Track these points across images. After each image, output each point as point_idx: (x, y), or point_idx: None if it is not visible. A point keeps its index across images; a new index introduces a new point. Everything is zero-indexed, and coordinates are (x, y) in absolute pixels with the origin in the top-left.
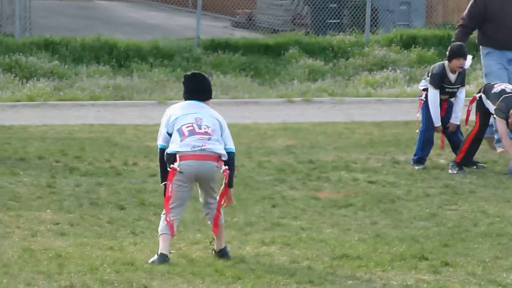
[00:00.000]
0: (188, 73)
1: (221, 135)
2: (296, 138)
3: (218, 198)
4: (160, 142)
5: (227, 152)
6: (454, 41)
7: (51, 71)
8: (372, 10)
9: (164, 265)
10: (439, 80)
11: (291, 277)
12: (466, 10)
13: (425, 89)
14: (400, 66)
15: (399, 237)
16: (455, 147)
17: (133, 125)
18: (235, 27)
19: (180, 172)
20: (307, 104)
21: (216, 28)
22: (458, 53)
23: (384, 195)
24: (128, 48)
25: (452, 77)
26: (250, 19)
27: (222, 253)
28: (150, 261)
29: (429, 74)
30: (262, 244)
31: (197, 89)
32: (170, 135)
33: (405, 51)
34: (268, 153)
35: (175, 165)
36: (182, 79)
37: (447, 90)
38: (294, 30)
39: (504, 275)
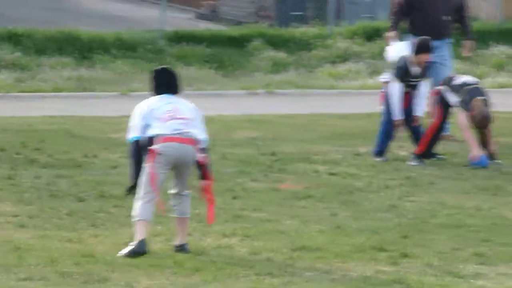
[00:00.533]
0: (159, 67)
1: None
2: (259, 130)
3: (206, 193)
4: (134, 134)
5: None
6: (390, 28)
7: (13, 63)
8: (336, 2)
9: (124, 257)
10: (403, 74)
11: (250, 269)
12: None
13: (387, 82)
14: (363, 58)
15: (358, 228)
16: (416, 140)
17: (95, 117)
18: (200, 19)
19: (159, 154)
20: (270, 96)
21: (181, 20)
22: (427, 48)
23: (345, 187)
24: (92, 39)
25: (415, 71)
26: (215, 11)
27: (181, 248)
28: (125, 252)
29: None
30: (223, 236)
31: (169, 83)
32: (145, 126)
33: (368, 43)
34: (231, 145)
35: (155, 146)
36: (153, 74)
37: (410, 83)
38: (258, 22)
39: (461, 266)
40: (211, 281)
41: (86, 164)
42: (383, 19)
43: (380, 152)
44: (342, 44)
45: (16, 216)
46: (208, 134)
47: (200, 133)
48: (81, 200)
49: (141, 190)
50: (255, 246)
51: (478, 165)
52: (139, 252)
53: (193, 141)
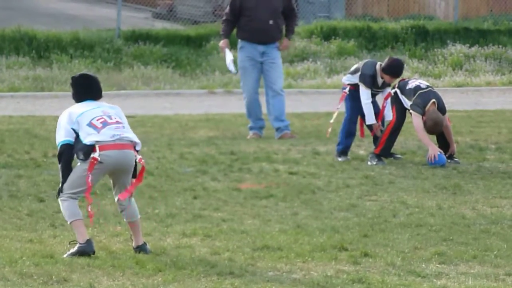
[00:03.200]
0: (76, 74)
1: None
2: (218, 129)
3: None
4: (62, 138)
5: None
6: (221, 34)
7: None
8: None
9: (84, 258)
10: (371, 81)
11: (212, 269)
12: (228, 6)
13: (350, 84)
14: (321, 57)
15: (319, 227)
16: (375, 139)
17: (53, 116)
18: (156, 18)
19: (100, 162)
20: (228, 95)
21: (137, 19)
22: (397, 74)
23: (305, 186)
24: (48, 39)
25: (380, 81)
26: (171, 10)
27: (140, 249)
28: (70, 253)
29: (357, 71)
30: (183, 235)
31: (91, 89)
32: (74, 131)
33: (326, 42)
34: (190, 145)
35: (95, 155)
36: (73, 81)
37: (373, 92)
38: (215, 21)
39: (423, 265)
40: (172, 281)
41: (45, 164)
42: (338, 19)
43: (344, 150)
44: (299, 44)
45: None
46: (166, 133)
47: (135, 136)
48: (40, 200)
49: (69, 189)
50: (216, 246)
51: (437, 164)
52: (88, 251)
53: (132, 146)
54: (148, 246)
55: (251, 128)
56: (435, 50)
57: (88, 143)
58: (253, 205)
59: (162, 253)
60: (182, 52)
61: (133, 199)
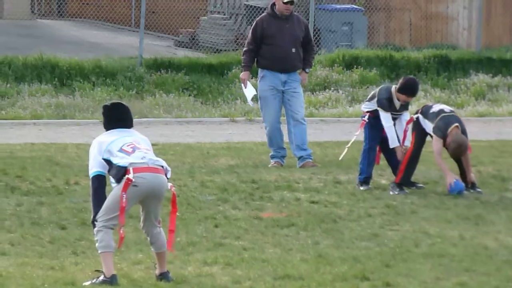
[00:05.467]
0: (108, 103)
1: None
2: (239, 158)
3: (170, 220)
4: (93, 170)
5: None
6: (243, 66)
7: None
8: (314, 30)
9: (105, 285)
10: (388, 104)
11: None
12: (249, 35)
13: (369, 111)
14: (343, 86)
15: (341, 257)
16: (394, 168)
17: (75, 144)
18: (178, 46)
19: (134, 185)
20: (250, 123)
21: (159, 47)
22: (412, 92)
23: (326, 215)
24: (71, 67)
25: (398, 104)
26: (193, 39)
27: (163, 277)
28: (92, 282)
29: (373, 97)
30: (204, 264)
31: (122, 118)
32: (106, 160)
33: (348, 71)
34: (211, 173)
35: (130, 176)
36: (102, 110)
37: (392, 116)
38: (237, 49)
39: None
40: None
41: (67, 192)
42: (360, 47)
43: (366, 180)
44: (321, 72)
45: None
46: (187, 161)
47: (164, 162)
48: (62, 227)
49: (104, 216)
50: (237, 274)
51: (455, 190)
52: (111, 285)
53: (163, 171)
54: (170, 275)
55: (272, 157)
56: (458, 79)
57: (121, 165)
58: (274, 233)
59: (183, 282)
60: (204, 80)
61: (162, 230)
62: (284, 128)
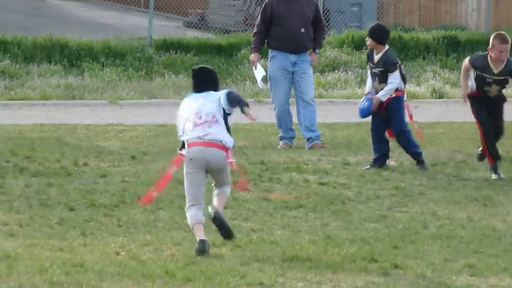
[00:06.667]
0: (196, 67)
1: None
2: (248, 139)
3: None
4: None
5: (226, 94)
6: (253, 48)
7: (1, 70)
8: (323, 11)
9: (114, 267)
10: (367, 58)
11: (241, 279)
12: (258, 16)
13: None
14: (352, 67)
15: (349, 239)
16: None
17: (84, 125)
18: (187, 27)
19: (190, 159)
20: (259, 105)
21: (168, 28)
22: (369, 32)
23: (335, 197)
24: (80, 47)
25: (375, 57)
26: (203, 19)
27: (215, 216)
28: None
29: None
30: (213, 245)
31: (204, 82)
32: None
33: (357, 52)
34: None
35: (183, 151)
36: (191, 73)
37: (373, 70)
38: (246, 30)
39: (454, 277)
40: None
41: (76, 173)
42: None
43: (378, 159)
44: (330, 53)
45: (6, 224)
46: None
47: (223, 132)
48: (71, 209)
49: (187, 198)
50: (246, 256)
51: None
52: (203, 250)
53: (220, 146)
54: (222, 215)
55: (281, 138)
56: None
57: (183, 140)
58: (282, 215)
59: (191, 263)
60: (213, 61)
61: (228, 188)
62: (293, 110)
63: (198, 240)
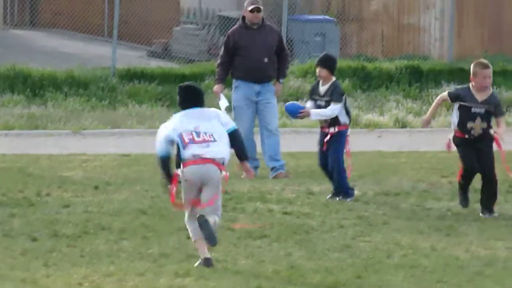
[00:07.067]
0: (182, 85)
1: (222, 124)
2: None
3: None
4: (158, 150)
5: (229, 132)
6: (216, 79)
7: None
8: (287, 41)
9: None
10: (310, 91)
11: None
12: (222, 47)
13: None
14: None
15: (313, 268)
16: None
17: (47, 155)
18: (151, 56)
19: (185, 179)
20: None
21: (132, 58)
22: (317, 61)
23: (299, 226)
24: (43, 77)
25: (322, 88)
26: (166, 49)
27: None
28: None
29: None
30: (176, 276)
31: (193, 99)
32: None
33: None
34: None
35: (179, 171)
36: (177, 90)
37: (317, 102)
38: (210, 60)
39: None
40: None
41: (39, 203)
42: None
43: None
44: (294, 83)
45: None
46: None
47: (222, 150)
48: (34, 239)
49: (186, 210)
50: (209, 286)
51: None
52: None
53: (215, 162)
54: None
55: None
56: (430, 90)
57: (179, 156)
58: (246, 245)
59: None
60: (177, 90)
61: (206, 210)
62: (257, 139)
63: (203, 258)
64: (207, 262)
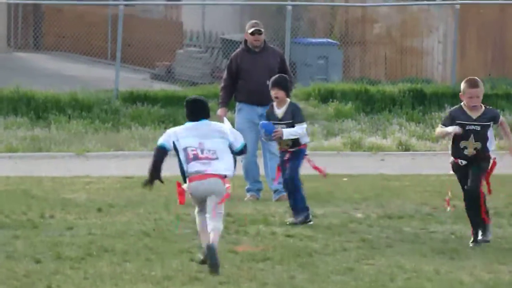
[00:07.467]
0: (189, 98)
1: (230, 143)
2: None
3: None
4: (162, 141)
5: (237, 151)
6: (220, 103)
7: None
8: (290, 64)
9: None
10: (266, 117)
11: None
12: (225, 71)
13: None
14: (318, 120)
15: None
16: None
17: (50, 177)
18: (154, 79)
19: (190, 193)
20: None
21: (135, 80)
22: (271, 83)
23: (302, 249)
24: (47, 99)
25: (278, 111)
26: (169, 72)
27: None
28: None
29: None
30: None
31: (198, 111)
32: (173, 144)
33: (323, 105)
34: (187, 206)
35: (185, 186)
36: (185, 103)
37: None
38: (213, 83)
39: None
40: None
41: (42, 225)
42: (336, 81)
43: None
44: None
45: None
46: (163, 194)
47: (225, 166)
48: (37, 261)
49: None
50: None
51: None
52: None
53: (219, 176)
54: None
55: (248, 190)
56: (433, 113)
57: (182, 168)
58: (249, 268)
59: None
60: (180, 113)
61: (213, 218)
62: (260, 161)
63: (206, 246)
64: (210, 249)
